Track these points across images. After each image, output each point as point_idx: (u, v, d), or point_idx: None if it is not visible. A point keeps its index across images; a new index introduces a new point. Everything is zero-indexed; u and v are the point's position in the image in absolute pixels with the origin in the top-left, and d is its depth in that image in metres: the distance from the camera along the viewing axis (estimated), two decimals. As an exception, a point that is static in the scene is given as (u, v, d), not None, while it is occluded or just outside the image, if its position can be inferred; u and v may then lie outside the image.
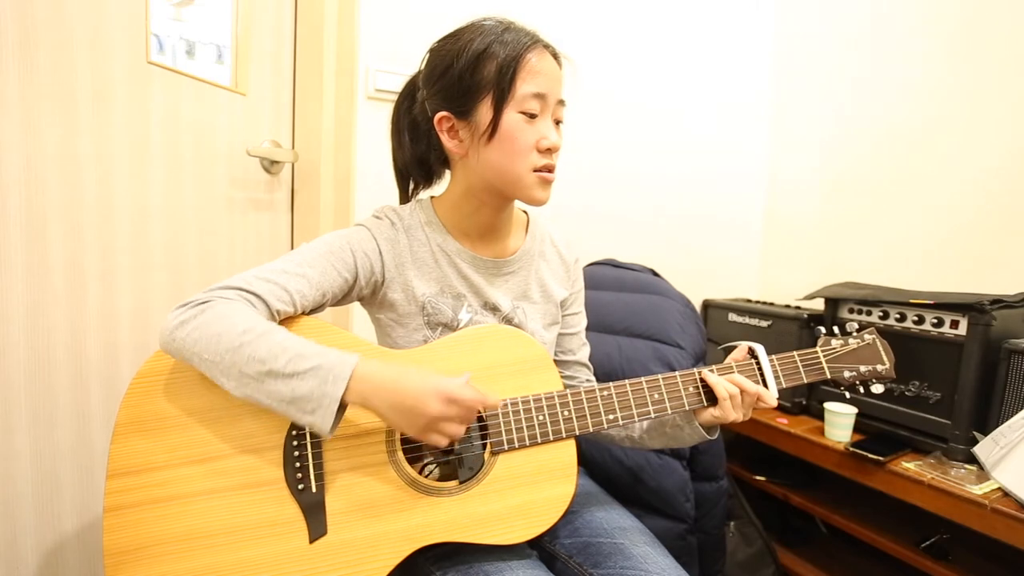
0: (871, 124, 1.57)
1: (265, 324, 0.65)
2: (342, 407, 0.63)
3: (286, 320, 0.72)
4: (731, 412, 0.76)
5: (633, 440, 0.88)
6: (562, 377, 0.92)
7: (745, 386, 0.76)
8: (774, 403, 0.77)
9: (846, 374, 0.85)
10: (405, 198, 0.88)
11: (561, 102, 0.77)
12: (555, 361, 0.92)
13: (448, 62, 0.74)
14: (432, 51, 0.78)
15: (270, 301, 0.68)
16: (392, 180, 0.89)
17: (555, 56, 0.77)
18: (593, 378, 0.96)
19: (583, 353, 0.95)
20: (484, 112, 0.73)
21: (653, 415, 0.77)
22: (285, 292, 0.70)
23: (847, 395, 0.88)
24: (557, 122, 0.78)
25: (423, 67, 0.79)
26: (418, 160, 0.84)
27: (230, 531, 0.67)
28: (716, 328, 1.65)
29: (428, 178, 0.87)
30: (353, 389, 0.63)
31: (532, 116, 0.73)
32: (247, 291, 0.67)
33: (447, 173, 0.85)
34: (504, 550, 0.73)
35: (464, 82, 0.73)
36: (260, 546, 0.67)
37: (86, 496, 0.95)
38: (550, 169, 0.76)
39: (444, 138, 0.77)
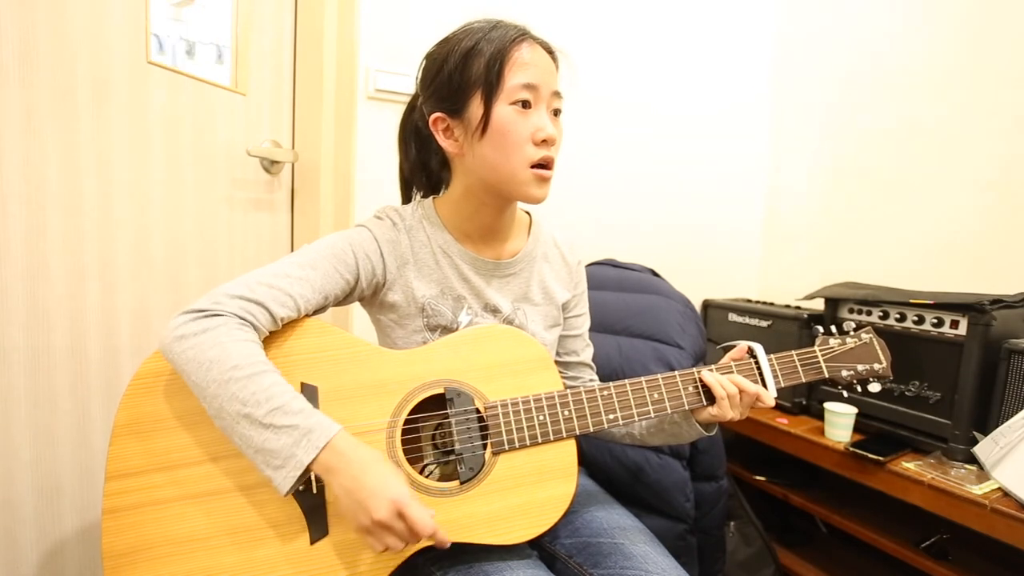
0: (871, 125, 1.57)
1: (256, 364, 0.64)
2: (306, 472, 0.61)
3: (289, 323, 0.72)
4: (728, 411, 0.77)
5: (633, 437, 0.89)
6: (566, 378, 0.93)
7: (744, 386, 0.77)
8: (772, 403, 0.78)
9: (844, 373, 0.85)
10: (406, 203, 0.88)
11: (557, 94, 0.76)
12: (559, 362, 0.93)
13: (439, 64, 0.75)
14: (426, 57, 0.79)
15: (273, 308, 0.68)
16: (393, 180, 0.89)
17: (549, 50, 0.77)
18: (596, 378, 0.96)
19: (587, 354, 0.95)
20: (475, 108, 0.73)
21: (653, 415, 0.78)
22: (288, 297, 0.70)
23: (845, 394, 0.88)
24: (556, 113, 0.77)
25: (419, 74, 0.80)
26: (421, 165, 0.85)
27: (231, 532, 0.67)
28: (716, 328, 1.65)
29: (432, 186, 0.87)
30: (321, 460, 0.61)
31: (525, 107, 0.73)
32: (250, 299, 0.67)
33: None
34: (505, 550, 0.74)
35: (454, 81, 0.73)
36: (261, 547, 0.67)
37: (86, 497, 0.95)
38: (547, 164, 0.75)
39: (440, 138, 0.77)
